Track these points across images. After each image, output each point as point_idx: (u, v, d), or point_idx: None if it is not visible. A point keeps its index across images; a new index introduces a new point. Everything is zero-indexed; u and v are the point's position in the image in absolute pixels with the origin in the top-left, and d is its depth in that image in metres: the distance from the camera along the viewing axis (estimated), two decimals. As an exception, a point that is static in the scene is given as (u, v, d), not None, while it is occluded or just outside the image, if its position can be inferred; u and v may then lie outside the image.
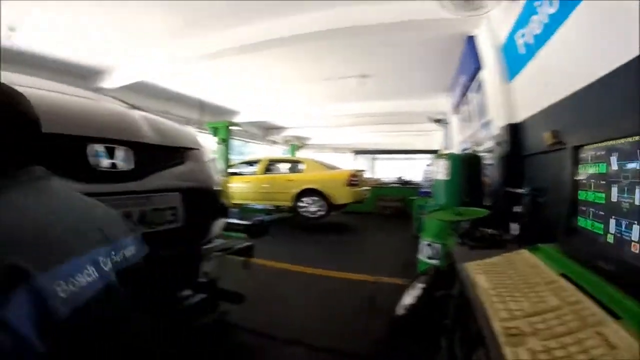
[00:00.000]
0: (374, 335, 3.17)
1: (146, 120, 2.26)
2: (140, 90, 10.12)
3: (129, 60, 8.64)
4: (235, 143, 14.24)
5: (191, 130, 2.90)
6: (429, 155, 13.97)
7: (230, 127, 9.85)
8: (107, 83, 9.32)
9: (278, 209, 11.12)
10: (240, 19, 6.45)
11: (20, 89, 1.87)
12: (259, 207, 11.23)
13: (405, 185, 13.66)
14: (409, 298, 3.02)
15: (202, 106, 8.32)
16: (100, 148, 1.74)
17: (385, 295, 3.98)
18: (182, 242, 2.20)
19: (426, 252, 3.99)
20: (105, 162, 1.74)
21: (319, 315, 3.71)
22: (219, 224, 2.69)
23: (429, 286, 2.82)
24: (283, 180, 9.96)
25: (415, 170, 16.07)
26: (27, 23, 6.57)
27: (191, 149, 2.46)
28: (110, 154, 1.77)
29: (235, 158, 11.60)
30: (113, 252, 0.94)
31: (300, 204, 9.51)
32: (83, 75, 9.17)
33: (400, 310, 3.02)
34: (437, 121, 11.28)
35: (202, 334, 3.12)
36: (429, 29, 5.95)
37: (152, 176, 1.97)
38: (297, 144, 19.66)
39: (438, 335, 2.02)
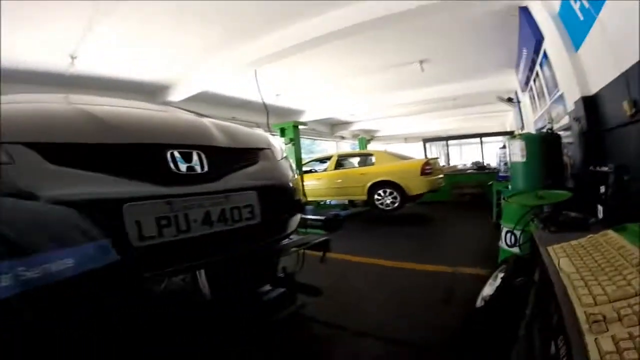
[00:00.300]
0: (450, 328, 3.09)
1: (216, 126, 2.40)
2: (206, 100, 10.65)
3: (190, 73, 9.13)
4: (304, 142, 14.44)
5: (261, 131, 2.99)
6: (503, 137, 13.38)
7: (297, 127, 9.96)
8: (174, 96, 9.91)
9: (353, 203, 11.13)
10: (290, 18, 6.59)
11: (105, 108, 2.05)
12: (334, 202, 11.31)
13: (481, 171, 12.98)
14: (488, 289, 2.94)
15: (267, 109, 8.55)
16: (177, 154, 1.86)
17: (463, 287, 3.91)
18: (260, 238, 2.28)
19: (507, 240, 3.84)
20: (183, 167, 1.85)
21: (393, 307, 3.68)
22: (295, 219, 2.76)
23: (509, 275, 2.72)
24: (355, 174, 9.93)
25: (491, 154, 15.55)
26: (89, 50, 7.12)
27: (262, 148, 2.55)
28: (187, 158, 1.89)
29: (305, 157, 11.74)
30: (22, 268, 0.88)
31: (375, 197, 9.44)
32: (151, 92, 9.83)
33: (479, 302, 2.95)
34: (508, 100, 10.72)
35: (279, 327, 3.22)
36: (479, 4, 5.79)
37: (228, 177, 2.07)
38: (366, 137, 19.55)
39: (517, 326, 1.97)
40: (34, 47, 6.89)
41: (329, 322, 3.39)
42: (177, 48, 7.63)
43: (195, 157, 1.93)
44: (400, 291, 4.12)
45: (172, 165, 1.82)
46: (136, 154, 1.77)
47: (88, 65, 7.82)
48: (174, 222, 1.72)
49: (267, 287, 3.27)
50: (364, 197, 9.70)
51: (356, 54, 8.56)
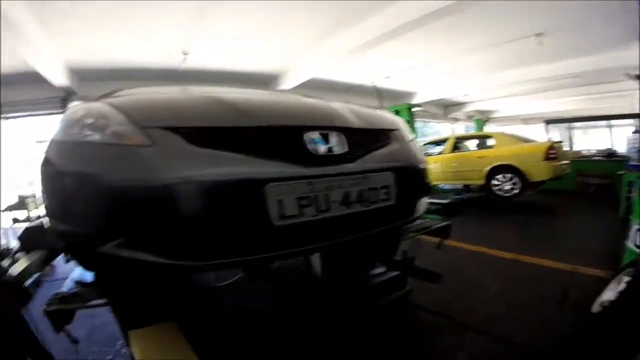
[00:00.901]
0: (561, 331, 2.85)
1: (347, 108, 2.39)
2: (317, 87, 10.79)
3: (299, 61, 9.53)
4: (416, 124, 14.14)
5: (387, 113, 2.92)
6: (635, 121, 11.99)
7: (411, 109, 9.74)
8: (284, 85, 10.38)
9: (467, 188, 10.69)
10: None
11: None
12: (447, 187, 10.96)
13: (609, 158, 11.67)
14: (609, 293, 2.63)
15: (379, 92, 8.51)
16: (315, 135, 1.87)
17: (580, 288, 3.59)
18: (394, 221, 2.23)
19: (637, 239, 3.41)
20: (322, 148, 1.86)
21: (502, 301, 3.50)
22: (424, 202, 2.66)
23: (637, 280, 2.44)
24: (473, 157, 9.48)
25: (620, 139, 14.11)
26: (200, 46, 7.81)
27: (393, 129, 2.49)
28: (326, 140, 1.89)
29: (417, 139, 11.50)
30: None
31: (493, 182, 8.95)
32: (262, 82, 10.30)
33: (596, 307, 2.65)
34: (638, 78, 9.56)
35: (386, 311, 3.23)
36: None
37: (365, 157, 2.04)
38: (482, 118, 18.69)
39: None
40: (151, 48, 7.71)
41: (435, 310, 3.32)
42: (285, 38, 7.91)
43: (333, 138, 1.92)
44: (512, 285, 3.93)
45: (311, 146, 1.83)
46: (275, 136, 1.80)
47: (199, 60, 8.47)
48: (314, 202, 1.73)
49: (380, 270, 3.26)
50: (481, 182, 9.24)
51: (467, 31, 8.28)
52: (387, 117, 2.71)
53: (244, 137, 1.73)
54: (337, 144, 1.92)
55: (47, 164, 1.89)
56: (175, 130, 1.64)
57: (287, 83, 10.33)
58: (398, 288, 3.27)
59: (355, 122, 2.20)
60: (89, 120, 1.76)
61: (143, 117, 1.70)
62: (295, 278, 2.95)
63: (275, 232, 1.64)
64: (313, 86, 10.60)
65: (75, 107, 2.04)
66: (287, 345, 2.62)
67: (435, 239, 3.32)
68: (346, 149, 1.95)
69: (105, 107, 1.81)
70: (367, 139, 2.18)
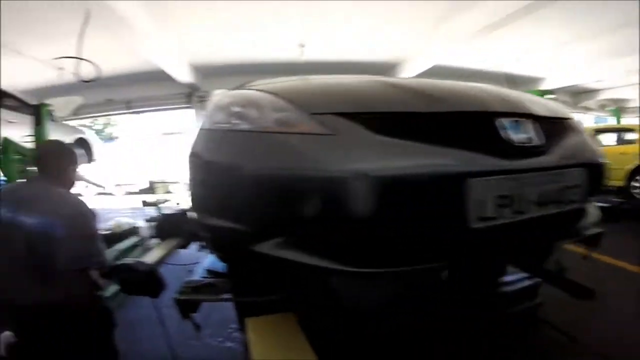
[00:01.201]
0: None
1: (521, 94, 2.13)
2: (437, 74, 10.26)
3: (417, 49, 9.29)
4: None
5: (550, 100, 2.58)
6: None
7: (542, 96, 8.93)
8: (405, 74, 10.22)
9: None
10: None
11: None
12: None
13: None
14: None
15: (508, 78, 7.89)
16: (507, 123, 1.62)
17: None
18: (580, 224, 1.98)
19: None
20: (516, 137, 1.61)
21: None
22: (594, 205, 2.31)
23: None
24: (615, 153, 8.14)
25: None
26: (315, 39, 7.99)
27: (567, 118, 2.16)
28: (518, 128, 1.65)
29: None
30: None
31: (633, 184, 7.90)
32: (381, 72, 10.25)
33: None
34: None
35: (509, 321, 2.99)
36: None
37: (557, 150, 1.77)
38: (617, 108, 16.85)
39: None
40: (269, 42, 8.28)
41: (558, 327, 3.00)
42: (401, 24, 7.83)
43: (527, 127, 1.68)
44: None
45: (505, 135, 1.58)
46: (468, 123, 1.60)
47: (316, 52, 8.86)
48: (512, 202, 1.51)
49: (515, 277, 2.91)
50: (620, 183, 8.07)
51: (599, 7, 7.37)
52: (555, 104, 2.38)
53: (434, 124, 1.54)
54: (532, 134, 1.68)
55: (195, 154, 1.83)
56: (352, 116, 1.47)
57: (407, 72, 10.11)
58: (529, 299, 2.95)
59: (540, 110, 1.92)
60: (238, 108, 1.66)
61: (309, 103, 1.54)
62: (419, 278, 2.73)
63: (471, 236, 1.45)
64: (434, 74, 10.15)
65: (222, 95, 1.97)
66: (401, 346, 2.55)
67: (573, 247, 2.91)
68: (543, 139, 1.70)
69: (256, 94, 1.70)
70: (553, 128, 1.89)
